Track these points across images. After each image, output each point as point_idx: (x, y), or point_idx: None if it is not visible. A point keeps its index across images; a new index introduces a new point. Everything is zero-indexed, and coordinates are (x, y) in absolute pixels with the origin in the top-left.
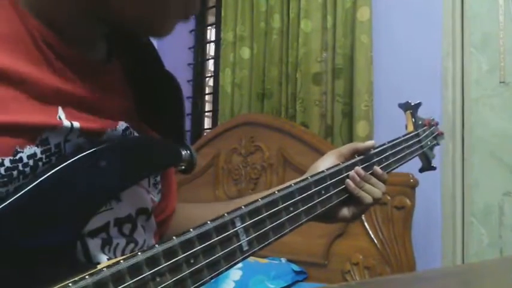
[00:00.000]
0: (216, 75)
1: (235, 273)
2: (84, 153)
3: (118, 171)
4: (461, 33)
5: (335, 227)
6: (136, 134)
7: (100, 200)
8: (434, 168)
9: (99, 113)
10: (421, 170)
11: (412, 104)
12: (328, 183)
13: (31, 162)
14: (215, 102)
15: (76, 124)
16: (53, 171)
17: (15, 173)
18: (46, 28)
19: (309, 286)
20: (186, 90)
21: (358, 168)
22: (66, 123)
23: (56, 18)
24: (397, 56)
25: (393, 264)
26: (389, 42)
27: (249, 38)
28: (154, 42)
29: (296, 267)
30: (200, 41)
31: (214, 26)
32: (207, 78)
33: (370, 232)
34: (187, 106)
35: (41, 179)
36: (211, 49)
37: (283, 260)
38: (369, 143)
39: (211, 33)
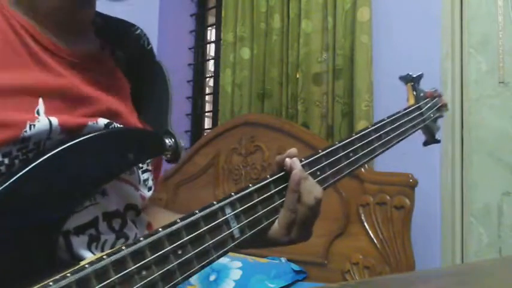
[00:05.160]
0: (216, 76)
1: (235, 272)
2: (63, 147)
3: (100, 162)
4: (460, 34)
5: (335, 227)
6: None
7: (82, 194)
8: (438, 141)
9: (84, 105)
10: (425, 144)
11: (414, 76)
12: (324, 163)
13: (6, 160)
14: (215, 103)
15: (54, 121)
16: (29, 167)
17: None
18: (34, 24)
19: (309, 285)
20: (186, 90)
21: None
22: (44, 120)
23: (42, 11)
24: (396, 57)
25: (393, 264)
26: (389, 42)
27: (249, 38)
28: (155, 42)
29: (296, 267)
30: (200, 42)
31: (214, 26)
32: (207, 79)
33: (370, 232)
34: (188, 106)
35: (17, 175)
36: (211, 49)
37: (283, 259)
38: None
39: (211, 34)
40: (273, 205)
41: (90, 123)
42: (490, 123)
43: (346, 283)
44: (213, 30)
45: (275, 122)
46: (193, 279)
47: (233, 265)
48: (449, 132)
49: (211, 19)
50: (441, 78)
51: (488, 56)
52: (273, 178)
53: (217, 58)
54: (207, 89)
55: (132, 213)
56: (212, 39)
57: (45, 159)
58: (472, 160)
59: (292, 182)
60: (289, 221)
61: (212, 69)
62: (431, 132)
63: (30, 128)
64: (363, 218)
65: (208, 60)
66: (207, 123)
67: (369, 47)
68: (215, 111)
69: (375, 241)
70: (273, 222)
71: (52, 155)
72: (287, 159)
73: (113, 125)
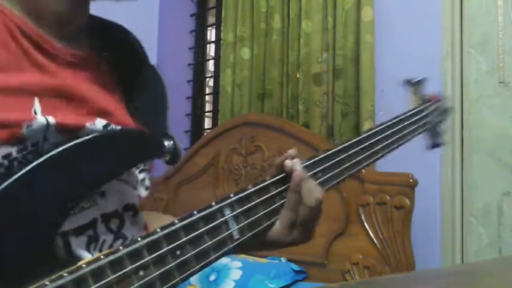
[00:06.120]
0: (216, 76)
1: (235, 272)
2: (62, 148)
3: (98, 164)
4: (460, 33)
5: (335, 227)
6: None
7: (79, 196)
8: (440, 145)
9: (80, 105)
10: (428, 147)
11: (416, 79)
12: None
13: (6, 162)
14: (215, 103)
15: (52, 120)
16: (28, 168)
17: None
18: (28, 20)
19: (309, 285)
20: (186, 90)
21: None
22: (41, 119)
23: (39, 9)
24: (397, 56)
25: (393, 264)
26: (390, 42)
27: (249, 38)
28: (155, 42)
29: (296, 267)
30: (200, 42)
31: (214, 26)
32: (207, 79)
33: (370, 232)
34: (188, 106)
35: (15, 177)
36: (211, 49)
37: (283, 259)
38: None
39: (211, 34)
40: (273, 206)
41: (87, 124)
42: (490, 123)
43: (346, 283)
44: (213, 30)
45: (275, 122)
46: (193, 279)
47: (233, 265)
48: (448, 133)
49: (211, 19)
50: (441, 78)
51: (488, 56)
52: (273, 180)
53: (217, 58)
54: (207, 89)
55: (130, 213)
56: (212, 39)
57: (42, 161)
58: (472, 160)
59: (294, 182)
60: (291, 221)
61: (212, 69)
62: (434, 136)
63: (27, 127)
64: (363, 218)
65: (208, 60)
66: (207, 123)
67: (372, 47)
68: (215, 111)
69: (375, 241)
70: (273, 224)
71: (50, 156)
72: (287, 161)
73: (111, 127)
